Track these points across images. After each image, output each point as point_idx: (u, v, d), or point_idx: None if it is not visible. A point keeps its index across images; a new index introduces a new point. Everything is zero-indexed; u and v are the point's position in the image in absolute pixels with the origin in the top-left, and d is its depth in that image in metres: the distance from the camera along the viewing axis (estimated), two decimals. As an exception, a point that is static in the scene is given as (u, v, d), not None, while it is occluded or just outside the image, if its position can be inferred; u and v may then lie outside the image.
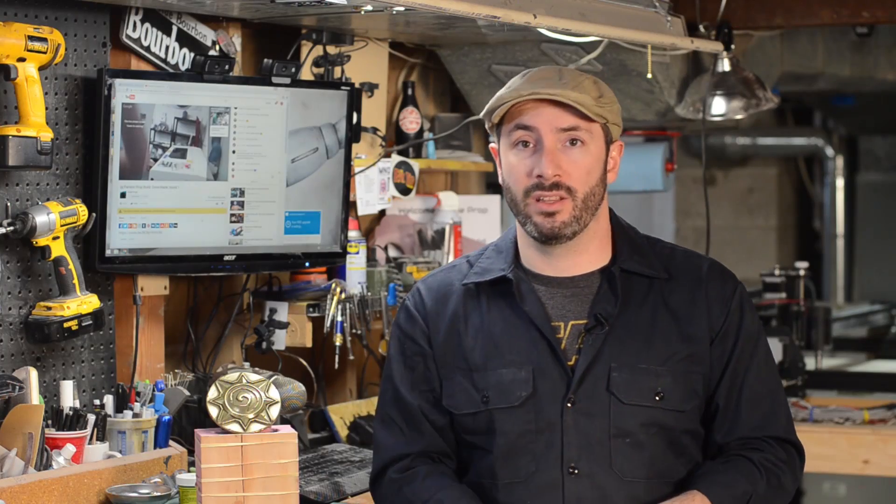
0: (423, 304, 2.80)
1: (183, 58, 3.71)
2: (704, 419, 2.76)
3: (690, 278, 2.76)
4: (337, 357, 4.01)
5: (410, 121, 4.53)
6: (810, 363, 5.48)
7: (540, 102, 2.67)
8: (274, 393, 2.88)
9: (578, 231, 2.69)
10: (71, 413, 3.29)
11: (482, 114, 2.76)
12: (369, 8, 3.55)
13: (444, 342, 2.76)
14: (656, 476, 2.69)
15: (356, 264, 4.11)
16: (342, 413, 4.16)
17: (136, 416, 3.45)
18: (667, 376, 2.69)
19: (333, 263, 4.07)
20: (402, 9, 3.52)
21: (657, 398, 2.68)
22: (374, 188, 4.24)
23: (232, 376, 2.88)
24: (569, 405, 2.67)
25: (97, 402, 3.46)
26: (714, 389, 2.73)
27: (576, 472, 2.66)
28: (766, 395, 2.76)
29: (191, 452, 3.45)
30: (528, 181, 2.68)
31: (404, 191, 4.36)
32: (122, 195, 3.51)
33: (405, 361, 2.80)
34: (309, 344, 4.02)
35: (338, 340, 4.00)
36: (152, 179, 3.56)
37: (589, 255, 2.75)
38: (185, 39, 3.71)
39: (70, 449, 3.24)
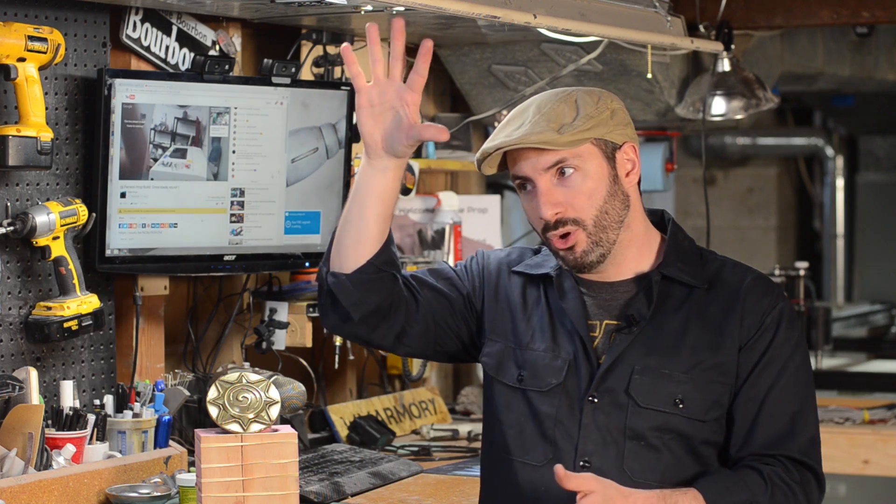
0: (496, 264, 2.86)
1: (183, 58, 3.71)
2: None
3: (730, 290, 2.73)
4: (337, 357, 4.01)
5: (410, 121, 4.53)
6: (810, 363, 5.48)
7: (519, 149, 2.69)
8: (274, 393, 2.88)
9: (606, 253, 2.70)
10: (71, 413, 3.29)
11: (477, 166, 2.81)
12: (369, 8, 3.55)
13: (496, 305, 2.81)
14: (670, 482, 2.66)
15: (356, 264, 4.10)
16: (342, 413, 4.16)
17: (136, 416, 3.45)
18: (689, 384, 2.67)
19: (333, 263, 4.07)
20: (402, 9, 3.52)
21: (677, 405, 2.67)
22: (374, 188, 4.24)
23: (232, 376, 2.88)
24: (590, 400, 2.69)
25: (97, 402, 3.46)
26: (732, 401, 2.70)
27: (588, 466, 2.66)
28: (788, 414, 2.69)
29: (191, 452, 3.45)
30: (540, 224, 2.71)
31: (404, 191, 4.36)
32: (122, 195, 3.51)
33: (453, 270, 2.87)
34: (309, 344, 4.02)
35: (338, 340, 4.00)
36: (152, 179, 3.57)
37: (628, 262, 2.75)
38: (185, 39, 3.71)
39: (70, 449, 3.24)
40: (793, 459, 2.68)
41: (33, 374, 3.27)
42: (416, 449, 4.06)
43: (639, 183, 2.77)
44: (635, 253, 2.75)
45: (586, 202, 2.68)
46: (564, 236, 2.68)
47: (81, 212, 3.40)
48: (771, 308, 2.72)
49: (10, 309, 3.36)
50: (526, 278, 2.82)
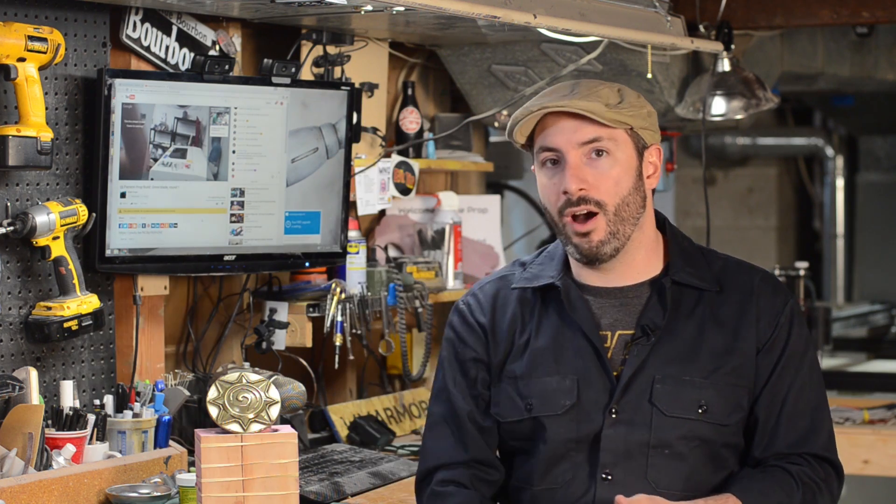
0: (482, 313, 2.79)
1: (183, 58, 3.71)
2: (745, 432, 2.73)
3: (741, 291, 2.73)
4: (337, 357, 4.01)
5: (410, 121, 4.53)
6: (810, 363, 5.47)
7: (558, 118, 2.65)
8: (274, 393, 2.88)
9: (620, 247, 2.68)
10: (71, 413, 3.29)
11: (507, 135, 2.76)
12: (369, 8, 3.55)
13: (503, 352, 2.76)
14: (693, 489, 2.66)
15: (356, 264, 4.11)
16: (342, 413, 4.16)
17: (136, 416, 3.45)
18: (710, 389, 2.67)
19: (333, 263, 4.07)
20: (402, 9, 3.52)
21: (700, 411, 2.66)
22: (374, 188, 4.25)
23: (232, 376, 2.88)
24: (611, 415, 2.66)
25: (97, 402, 3.46)
26: (754, 402, 2.71)
27: (609, 478, 2.65)
28: (808, 412, 2.72)
29: (191, 452, 3.45)
30: (558, 200, 2.67)
31: (404, 191, 4.36)
32: (122, 195, 3.51)
33: (459, 366, 2.79)
34: (309, 344, 4.03)
35: (338, 340, 4.00)
36: (152, 179, 3.57)
37: (637, 265, 2.73)
38: (185, 39, 3.71)
39: (70, 449, 3.24)
40: (816, 456, 2.71)
41: (33, 374, 3.27)
42: (416, 449, 4.05)
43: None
44: (644, 255, 2.74)
45: (612, 188, 2.66)
46: (585, 219, 2.65)
47: (81, 212, 3.40)
48: (783, 307, 2.73)
49: (10, 309, 3.36)
50: (519, 302, 2.77)
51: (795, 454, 2.70)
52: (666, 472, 2.66)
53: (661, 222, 2.80)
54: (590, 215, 2.66)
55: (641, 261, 2.74)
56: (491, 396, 2.76)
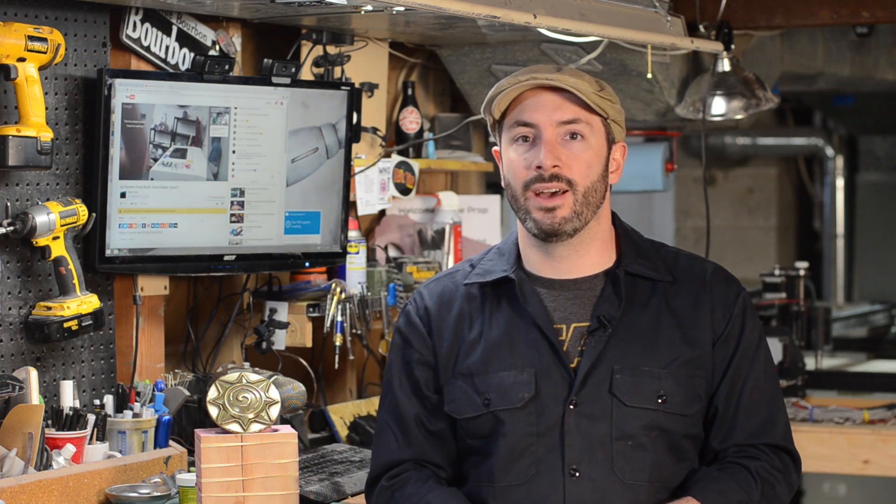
0: (427, 311, 2.79)
1: (183, 58, 3.71)
2: (703, 424, 2.75)
3: (694, 282, 2.74)
4: (337, 357, 4.01)
5: (410, 121, 4.53)
6: (810, 363, 5.48)
7: (539, 93, 2.66)
8: (274, 393, 2.89)
9: (579, 227, 2.68)
10: (71, 413, 3.29)
11: (482, 108, 2.76)
12: (369, 8, 3.55)
13: (449, 349, 2.75)
14: (657, 480, 2.67)
15: (356, 264, 4.11)
16: (342, 413, 4.16)
17: (136, 416, 3.45)
18: (669, 379, 2.68)
19: (333, 263, 4.08)
20: (402, 9, 3.52)
21: (659, 401, 2.67)
22: (374, 188, 4.25)
23: (232, 376, 2.88)
24: (571, 407, 2.66)
25: (97, 402, 3.46)
26: (713, 394, 2.72)
27: (577, 474, 2.65)
28: (764, 402, 2.74)
29: (191, 452, 3.45)
30: (527, 174, 2.66)
31: (404, 191, 4.36)
32: (122, 195, 3.51)
33: (405, 368, 2.79)
34: (309, 344, 4.03)
35: (338, 340, 4.00)
36: (152, 179, 3.57)
37: (591, 256, 2.73)
38: (185, 39, 3.71)
39: (70, 449, 3.24)
40: (774, 446, 2.73)
41: (33, 374, 3.27)
42: (416, 449, 4.05)
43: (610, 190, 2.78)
44: (598, 247, 2.74)
45: (584, 170, 2.67)
46: (553, 195, 2.65)
47: (81, 212, 3.40)
48: (735, 298, 2.75)
49: (10, 309, 3.36)
50: (466, 299, 2.76)
51: (753, 445, 2.71)
52: (631, 463, 2.66)
53: (612, 218, 2.81)
54: (558, 193, 2.66)
55: (595, 252, 2.74)
56: (444, 395, 2.75)
